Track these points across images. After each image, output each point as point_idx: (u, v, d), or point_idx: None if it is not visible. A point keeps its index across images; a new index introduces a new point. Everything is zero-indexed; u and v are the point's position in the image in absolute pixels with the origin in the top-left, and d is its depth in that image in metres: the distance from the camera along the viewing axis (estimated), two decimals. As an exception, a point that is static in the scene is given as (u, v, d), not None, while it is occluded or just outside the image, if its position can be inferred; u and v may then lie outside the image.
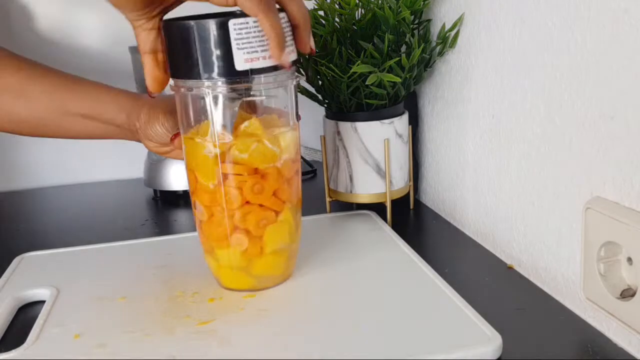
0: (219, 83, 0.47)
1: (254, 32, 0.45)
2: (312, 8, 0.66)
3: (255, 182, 0.50)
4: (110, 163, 0.98)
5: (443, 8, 0.69)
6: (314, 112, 1.01)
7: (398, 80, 0.63)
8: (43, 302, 0.54)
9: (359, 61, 0.63)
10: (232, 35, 0.45)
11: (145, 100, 0.58)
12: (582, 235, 0.46)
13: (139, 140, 0.60)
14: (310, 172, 0.95)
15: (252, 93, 0.49)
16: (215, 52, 0.45)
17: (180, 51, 0.47)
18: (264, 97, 0.51)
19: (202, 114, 0.50)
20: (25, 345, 0.46)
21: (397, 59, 0.63)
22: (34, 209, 0.86)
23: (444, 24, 0.68)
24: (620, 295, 0.44)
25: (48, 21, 0.92)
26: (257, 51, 0.45)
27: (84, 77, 0.61)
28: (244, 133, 0.49)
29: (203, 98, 0.48)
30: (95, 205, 0.86)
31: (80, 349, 0.46)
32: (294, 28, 0.47)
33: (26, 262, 0.62)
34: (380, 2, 0.64)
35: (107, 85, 0.61)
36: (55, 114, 0.59)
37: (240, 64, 0.45)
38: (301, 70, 0.70)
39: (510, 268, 0.58)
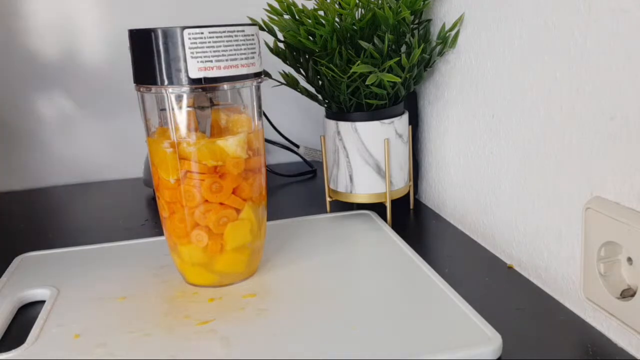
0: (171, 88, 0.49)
1: (209, 42, 0.47)
2: (312, 8, 0.66)
3: (213, 181, 0.50)
4: (110, 163, 0.98)
5: (443, 8, 0.69)
6: (314, 112, 1.01)
7: (398, 80, 0.63)
8: (43, 302, 0.54)
9: (359, 61, 0.63)
10: (187, 44, 0.47)
11: None
12: (582, 235, 0.46)
13: None
14: (310, 172, 0.95)
15: (211, 98, 0.51)
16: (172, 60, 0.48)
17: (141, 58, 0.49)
18: (219, 104, 0.52)
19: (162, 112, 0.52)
20: (25, 345, 0.46)
21: (397, 59, 0.63)
22: (34, 209, 0.86)
23: (444, 24, 0.68)
24: (620, 295, 0.44)
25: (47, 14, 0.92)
26: (211, 61, 0.48)
27: None
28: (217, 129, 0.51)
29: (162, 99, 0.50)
30: (95, 205, 0.86)
31: (80, 348, 0.46)
32: None
33: (26, 262, 0.62)
34: (380, 2, 0.64)
35: None
36: None
37: (194, 72, 0.48)
38: (301, 70, 0.70)
39: (510, 268, 0.58)
